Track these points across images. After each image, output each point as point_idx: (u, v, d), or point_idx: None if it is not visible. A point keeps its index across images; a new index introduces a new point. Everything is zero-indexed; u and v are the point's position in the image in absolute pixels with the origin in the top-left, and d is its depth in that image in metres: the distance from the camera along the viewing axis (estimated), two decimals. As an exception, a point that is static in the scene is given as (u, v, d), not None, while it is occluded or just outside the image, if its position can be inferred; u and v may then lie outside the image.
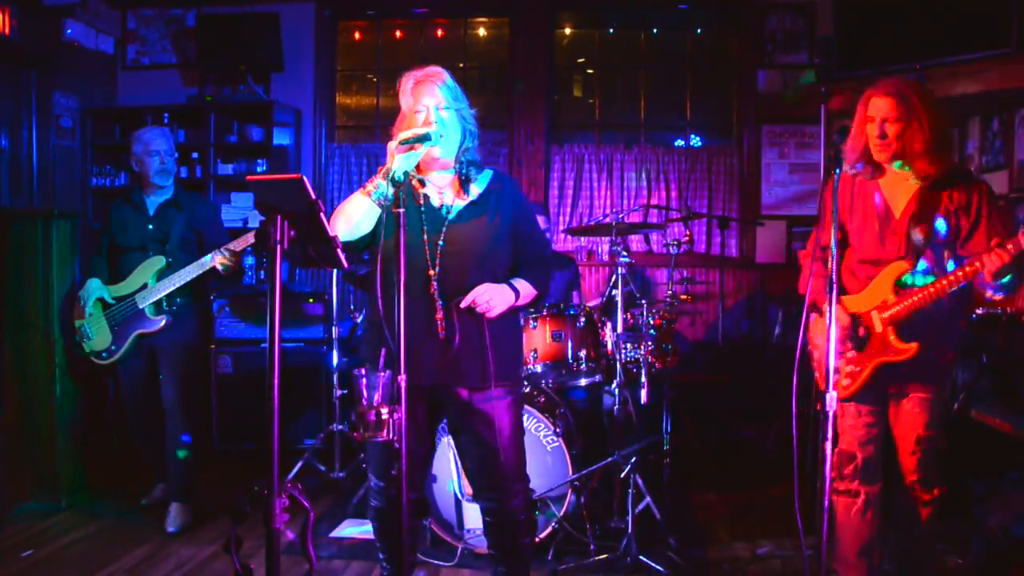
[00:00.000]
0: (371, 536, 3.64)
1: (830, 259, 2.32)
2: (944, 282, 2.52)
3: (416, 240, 2.52)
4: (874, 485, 2.80)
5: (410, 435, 2.51)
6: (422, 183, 2.59)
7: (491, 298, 2.50)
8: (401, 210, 2.19)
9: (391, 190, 2.33)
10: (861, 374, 2.70)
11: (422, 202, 2.57)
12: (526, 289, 2.63)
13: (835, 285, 2.33)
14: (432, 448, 2.87)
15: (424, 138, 2.39)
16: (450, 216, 2.56)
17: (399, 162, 2.35)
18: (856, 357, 2.72)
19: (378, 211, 2.45)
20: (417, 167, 2.51)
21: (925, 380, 2.69)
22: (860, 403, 2.76)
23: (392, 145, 2.39)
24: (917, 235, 2.60)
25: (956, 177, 2.62)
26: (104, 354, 3.77)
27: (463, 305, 2.50)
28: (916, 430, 2.69)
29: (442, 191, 2.60)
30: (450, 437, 2.88)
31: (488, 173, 2.67)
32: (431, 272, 2.51)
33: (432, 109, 2.50)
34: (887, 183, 2.71)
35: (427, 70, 2.54)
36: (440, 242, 2.53)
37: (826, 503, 2.36)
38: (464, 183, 2.58)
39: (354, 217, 2.47)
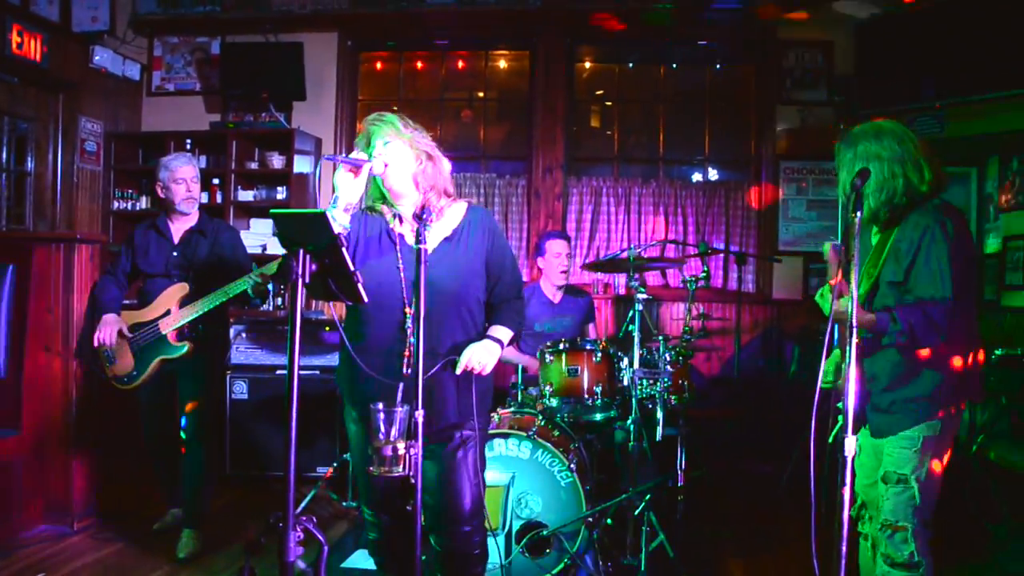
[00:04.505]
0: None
1: (852, 303, 2.29)
2: None
3: (392, 277, 2.55)
4: None
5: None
6: (398, 218, 2.64)
7: (479, 358, 2.56)
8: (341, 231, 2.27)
9: (341, 215, 2.38)
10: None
11: (398, 239, 2.61)
12: (506, 335, 2.70)
13: (855, 328, 2.30)
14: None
15: (360, 162, 2.42)
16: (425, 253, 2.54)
17: (338, 183, 2.41)
18: None
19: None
20: (388, 202, 2.62)
21: (896, 421, 2.64)
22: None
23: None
24: None
25: None
26: (126, 379, 3.79)
27: (459, 372, 2.55)
28: (883, 467, 2.66)
29: (414, 228, 2.56)
30: None
31: (462, 205, 2.70)
32: (408, 310, 2.51)
33: (380, 143, 2.53)
34: None
35: (372, 116, 2.59)
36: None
37: (843, 549, 2.33)
38: (424, 212, 2.51)
39: None
